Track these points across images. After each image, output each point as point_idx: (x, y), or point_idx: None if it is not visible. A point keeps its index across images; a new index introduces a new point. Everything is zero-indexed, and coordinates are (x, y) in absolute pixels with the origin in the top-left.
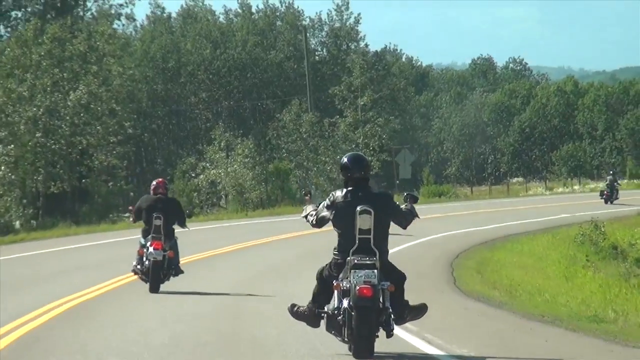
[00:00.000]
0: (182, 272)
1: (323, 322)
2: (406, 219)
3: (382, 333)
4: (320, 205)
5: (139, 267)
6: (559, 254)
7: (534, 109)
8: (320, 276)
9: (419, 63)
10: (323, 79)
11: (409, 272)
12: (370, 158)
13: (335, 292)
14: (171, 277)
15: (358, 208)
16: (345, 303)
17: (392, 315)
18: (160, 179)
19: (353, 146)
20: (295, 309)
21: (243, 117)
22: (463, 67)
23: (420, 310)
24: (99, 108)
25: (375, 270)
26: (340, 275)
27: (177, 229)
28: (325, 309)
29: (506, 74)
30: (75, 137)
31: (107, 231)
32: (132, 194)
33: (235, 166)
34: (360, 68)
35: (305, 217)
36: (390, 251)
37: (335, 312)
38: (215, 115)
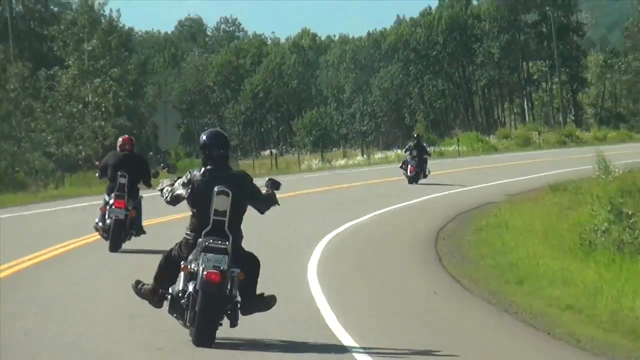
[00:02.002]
0: (144, 232)
1: (167, 304)
2: (266, 203)
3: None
4: (177, 182)
5: (100, 224)
6: None
7: (268, 69)
8: (169, 255)
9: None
10: (35, 18)
11: None
12: (102, 123)
13: (182, 273)
14: (132, 237)
15: (215, 188)
16: (190, 287)
17: (239, 305)
18: (126, 136)
19: (80, 106)
20: (140, 286)
21: None
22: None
23: (269, 302)
24: None
25: (226, 256)
26: (190, 257)
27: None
28: (170, 290)
29: (217, 36)
30: None
31: None
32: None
33: None
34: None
35: (161, 191)
36: None
37: (180, 294)
38: None
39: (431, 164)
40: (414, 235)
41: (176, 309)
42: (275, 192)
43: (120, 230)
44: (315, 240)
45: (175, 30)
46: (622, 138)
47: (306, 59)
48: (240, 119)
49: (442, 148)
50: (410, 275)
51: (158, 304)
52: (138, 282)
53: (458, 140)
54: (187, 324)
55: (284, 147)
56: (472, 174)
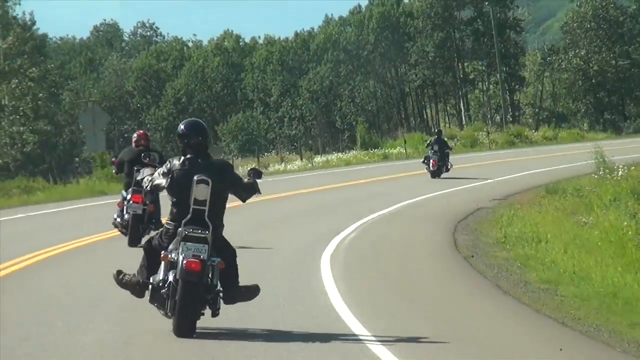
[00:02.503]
0: (162, 226)
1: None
2: (247, 192)
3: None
4: (157, 172)
5: (118, 220)
6: None
7: (190, 73)
8: (149, 245)
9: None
10: None
11: None
12: (21, 128)
13: (163, 263)
14: (151, 232)
15: (195, 177)
16: (171, 276)
17: (221, 294)
18: (141, 131)
19: None
20: (121, 276)
21: None
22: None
23: (252, 292)
24: None
25: (206, 245)
26: (170, 247)
27: None
28: (152, 280)
29: (135, 41)
30: None
31: None
32: None
33: None
34: None
35: (141, 180)
36: None
37: (161, 284)
38: None
39: (378, 167)
40: (431, 253)
41: (157, 299)
42: (258, 180)
43: (139, 224)
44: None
45: (91, 36)
46: (574, 137)
47: (230, 62)
48: (163, 124)
49: (386, 150)
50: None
51: (140, 294)
52: (119, 272)
53: (405, 142)
54: (168, 313)
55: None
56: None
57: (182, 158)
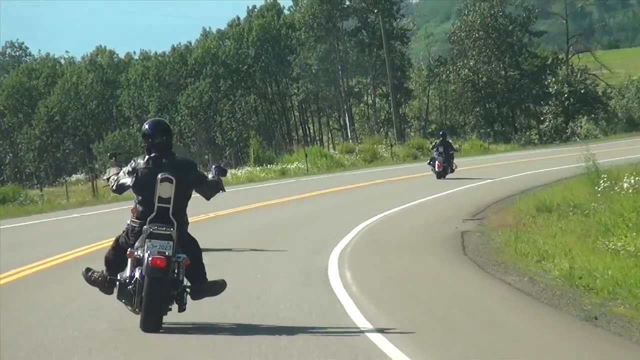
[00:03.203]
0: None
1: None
2: (211, 189)
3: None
4: (122, 171)
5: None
6: None
7: (63, 90)
8: (117, 243)
9: None
10: None
11: None
12: None
13: (129, 260)
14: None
15: (159, 176)
16: (137, 273)
17: (189, 290)
18: None
19: None
20: (90, 274)
21: None
22: None
23: (219, 287)
24: None
25: (171, 242)
26: (136, 244)
27: None
28: (119, 277)
29: (3, 61)
30: None
31: None
32: None
33: None
34: None
35: (107, 180)
36: None
37: (127, 281)
38: None
39: (287, 183)
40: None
41: (124, 295)
42: (222, 178)
43: None
44: None
45: None
46: (479, 150)
47: (105, 78)
48: (35, 144)
49: (282, 166)
50: None
51: (108, 291)
52: (88, 269)
53: (306, 155)
54: (136, 309)
55: (84, 172)
56: (368, 195)
57: (147, 157)
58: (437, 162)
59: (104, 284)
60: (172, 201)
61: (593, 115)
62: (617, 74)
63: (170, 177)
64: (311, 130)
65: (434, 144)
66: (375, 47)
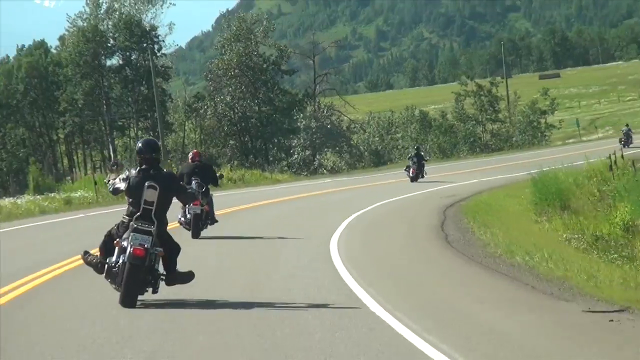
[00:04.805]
0: (216, 221)
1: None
2: (188, 198)
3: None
4: (118, 178)
5: (182, 219)
6: None
7: None
8: (109, 233)
9: None
10: None
11: None
12: None
13: (117, 248)
14: (208, 226)
15: (146, 183)
16: (121, 259)
17: (164, 277)
18: (195, 150)
19: None
20: (87, 256)
21: None
22: None
23: (188, 277)
24: None
25: (151, 237)
26: (124, 236)
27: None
28: (108, 260)
29: None
30: None
31: None
32: None
33: None
34: None
35: (107, 183)
36: None
37: (113, 264)
38: None
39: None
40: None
41: (110, 275)
42: (200, 191)
43: (199, 221)
44: None
45: None
46: (259, 178)
47: None
48: None
49: (67, 195)
50: None
51: (100, 271)
52: (86, 252)
53: (96, 183)
54: (117, 288)
55: None
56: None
57: (138, 168)
58: (411, 169)
59: (97, 265)
60: (155, 204)
61: (337, 149)
62: (360, 110)
63: (155, 185)
64: (77, 162)
65: (409, 155)
66: (139, 83)
